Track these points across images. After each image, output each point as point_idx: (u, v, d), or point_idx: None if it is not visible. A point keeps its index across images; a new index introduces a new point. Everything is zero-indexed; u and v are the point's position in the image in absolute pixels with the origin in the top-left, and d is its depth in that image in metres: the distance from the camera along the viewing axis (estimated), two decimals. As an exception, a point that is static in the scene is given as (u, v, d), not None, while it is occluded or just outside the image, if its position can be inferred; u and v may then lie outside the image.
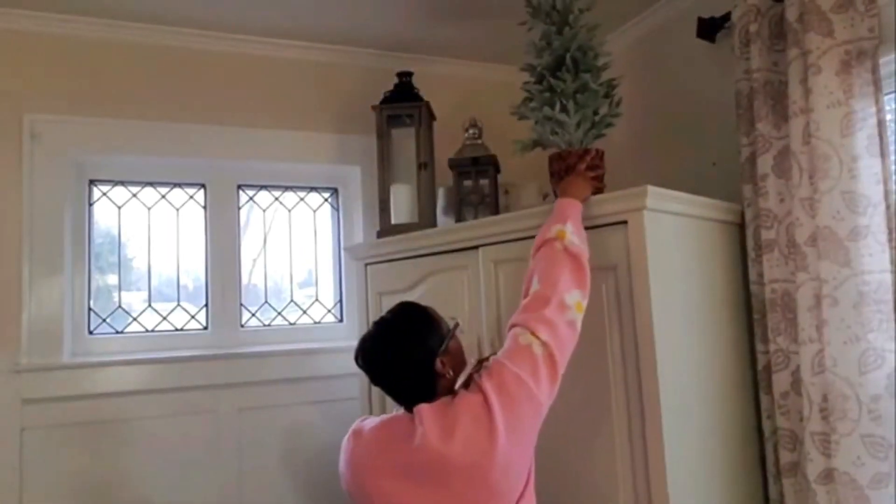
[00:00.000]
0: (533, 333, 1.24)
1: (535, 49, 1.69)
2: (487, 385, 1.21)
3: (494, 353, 1.31)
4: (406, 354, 1.28)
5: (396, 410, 1.34)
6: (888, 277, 1.42)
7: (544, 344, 1.23)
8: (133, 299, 2.35)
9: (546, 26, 1.68)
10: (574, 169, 1.57)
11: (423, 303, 1.44)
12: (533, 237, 1.44)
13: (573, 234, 1.34)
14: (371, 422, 1.36)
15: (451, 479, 1.18)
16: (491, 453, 1.16)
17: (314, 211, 2.61)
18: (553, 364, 1.23)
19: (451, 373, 1.30)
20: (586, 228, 1.47)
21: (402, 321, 1.35)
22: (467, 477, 1.17)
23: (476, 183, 2.00)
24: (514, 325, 1.30)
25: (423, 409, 1.24)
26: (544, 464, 1.55)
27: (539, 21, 1.70)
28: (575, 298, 1.29)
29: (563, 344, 1.26)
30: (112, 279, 2.33)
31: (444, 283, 1.82)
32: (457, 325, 1.38)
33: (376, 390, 2.01)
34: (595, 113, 1.64)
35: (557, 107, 1.61)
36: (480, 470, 1.17)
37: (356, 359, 1.35)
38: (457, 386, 1.30)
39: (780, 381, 1.57)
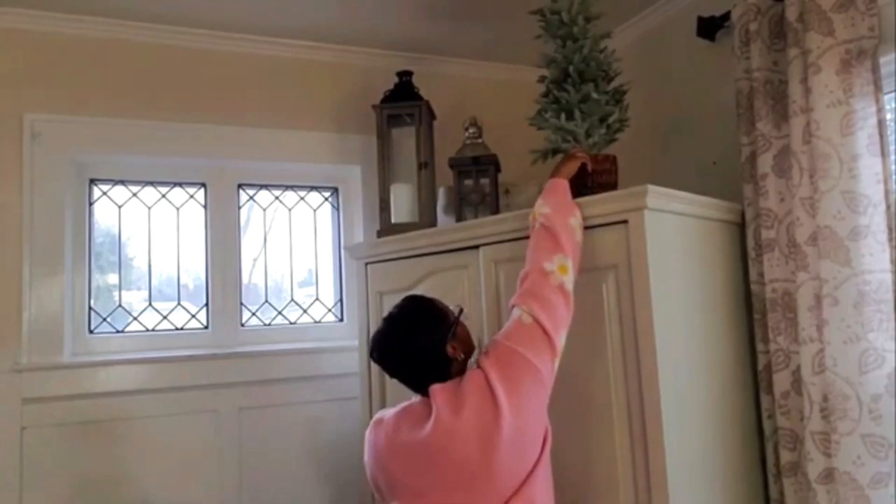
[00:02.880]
0: (521, 307, 1.33)
1: (544, 62, 1.73)
2: (486, 362, 1.29)
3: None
4: (418, 345, 1.34)
5: (414, 398, 1.38)
6: (888, 277, 1.42)
7: (531, 313, 1.30)
8: (133, 298, 2.35)
9: (557, 40, 1.70)
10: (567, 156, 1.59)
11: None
12: (533, 237, 1.47)
13: (542, 207, 1.42)
14: (390, 410, 1.40)
15: (465, 454, 1.22)
16: (497, 425, 1.21)
17: (314, 210, 2.61)
18: (544, 330, 1.29)
19: (462, 356, 1.37)
20: (586, 228, 1.47)
21: (409, 314, 1.39)
22: (478, 451, 1.21)
23: (476, 182, 2.00)
24: (512, 305, 1.37)
25: (436, 389, 1.30)
26: (544, 463, 1.55)
27: (551, 35, 1.72)
28: (556, 263, 1.35)
29: (552, 308, 1.31)
30: (112, 278, 2.33)
31: (445, 283, 1.82)
32: (461, 310, 1.43)
33: (377, 389, 2.03)
34: (603, 120, 1.66)
35: (564, 117, 1.65)
36: (490, 443, 1.21)
37: (371, 354, 1.40)
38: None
39: (781, 380, 1.57)
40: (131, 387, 2.14)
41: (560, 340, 1.32)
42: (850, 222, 1.43)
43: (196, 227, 2.41)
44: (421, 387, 1.33)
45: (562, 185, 1.48)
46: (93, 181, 2.30)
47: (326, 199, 2.62)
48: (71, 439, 2.07)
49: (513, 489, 1.23)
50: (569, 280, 1.34)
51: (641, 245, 1.38)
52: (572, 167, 1.54)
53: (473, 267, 1.75)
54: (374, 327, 1.47)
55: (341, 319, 2.57)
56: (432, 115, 2.26)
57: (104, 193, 2.32)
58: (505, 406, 1.22)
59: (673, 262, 1.47)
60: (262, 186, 2.52)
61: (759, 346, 1.66)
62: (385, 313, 1.44)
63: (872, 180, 1.43)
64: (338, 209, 2.62)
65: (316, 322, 2.55)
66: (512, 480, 1.24)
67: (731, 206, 1.69)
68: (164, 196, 2.39)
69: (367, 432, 1.42)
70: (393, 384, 1.51)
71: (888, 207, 1.43)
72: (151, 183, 2.37)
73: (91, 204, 2.29)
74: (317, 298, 2.58)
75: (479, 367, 1.30)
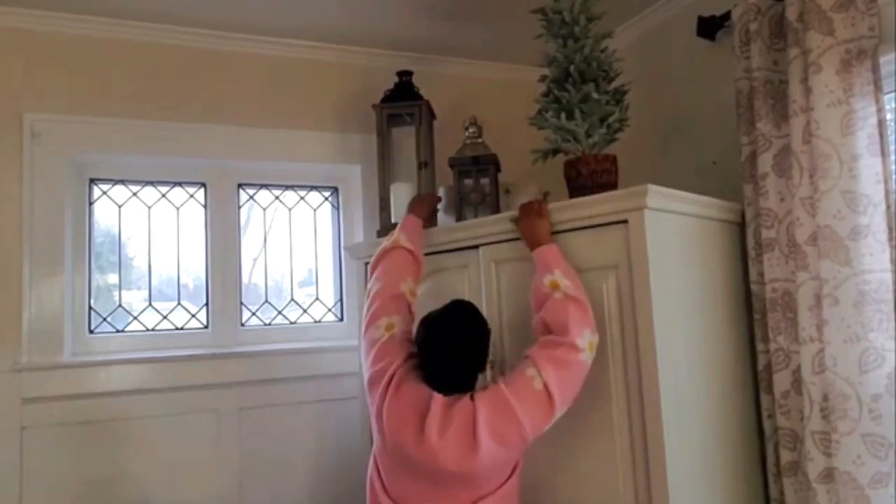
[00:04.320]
0: (539, 369, 1.33)
1: (545, 61, 1.73)
2: (479, 401, 1.33)
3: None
4: (478, 343, 1.42)
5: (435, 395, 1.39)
6: (888, 277, 1.42)
7: (545, 382, 1.32)
8: (133, 298, 2.35)
9: (558, 39, 1.70)
10: (527, 212, 1.56)
11: (425, 302, 1.56)
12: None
13: (564, 279, 1.42)
14: (413, 378, 1.41)
15: (442, 468, 1.31)
16: (471, 459, 1.29)
17: (314, 210, 2.61)
18: (550, 400, 1.32)
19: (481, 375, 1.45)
20: (586, 228, 1.48)
21: (477, 313, 1.46)
22: (450, 472, 1.31)
23: (476, 182, 2.00)
24: (527, 356, 1.39)
25: (437, 400, 1.34)
26: (545, 462, 1.55)
27: (552, 34, 1.72)
28: (586, 339, 1.37)
29: (569, 385, 1.35)
30: (112, 278, 2.33)
31: (445, 283, 1.82)
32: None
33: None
34: (603, 120, 1.66)
35: (564, 117, 1.66)
36: (461, 469, 1.30)
37: (429, 326, 1.41)
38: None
39: (781, 380, 1.58)
40: (131, 387, 2.14)
41: (561, 412, 1.35)
42: (850, 222, 1.43)
43: (196, 226, 2.41)
44: (447, 381, 1.37)
45: (557, 251, 1.48)
46: (93, 181, 2.30)
47: (326, 198, 2.62)
48: (71, 439, 2.07)
49: (480, 495, 1.35)
50: (592, 357, 1.38)
51: (641, 245, 1.38)
52: (547, 227, 1.52)
53: (473, 267, 1.75)
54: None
55: (341, 319, 2.57)
56: (432, 115, 2.26)
57: (104, 193, 2.32)
58: (483, 446, 1.28)
59: (673, 261, 1.47)
60: (262, 186, 2.52)
61: (760, 346, 1.66)
62: None
63: (872, 180, 1.44)
64: (338, 209, 2.62)
65: (316, 322, 2.55)
66: (482, 489, 1.36)
67: (732, 206, 1.69)
68: (164, 196, 2.39)
69: (395, 375, 1.41)
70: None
71: (888, 207, 1.43)
72: (151, 183, 2.37)
73: (91, 204, 2.29)
74: (317, 298, 2.58)
75: (472, 400, 1.33)
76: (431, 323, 1.42)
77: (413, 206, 1.84)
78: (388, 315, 1.53)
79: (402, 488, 1.41)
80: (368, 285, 1.65)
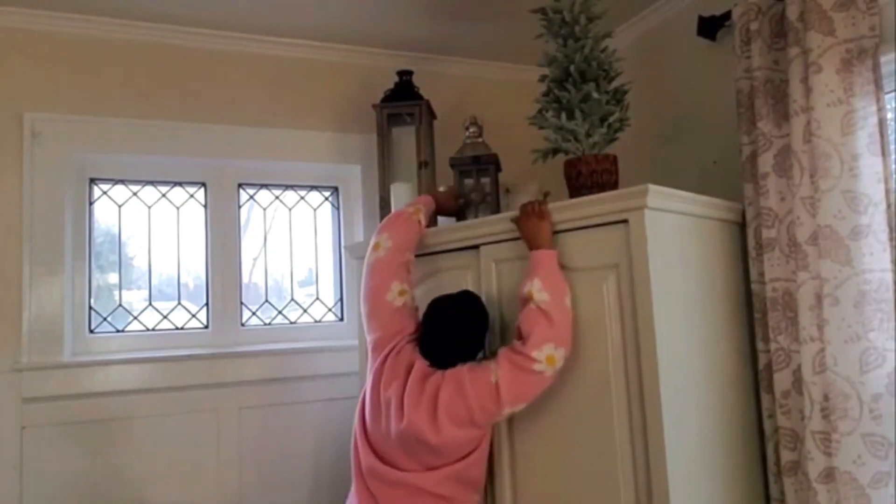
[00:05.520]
0: (497, 366, 1.45)
1: (546, 61, 1.73)
2: (446, 378, 1.48)
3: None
4: (476, 331, 1.56)
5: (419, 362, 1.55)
6: (889, 276, 1.42)
7: (498, 378, 1.44)
8: (133, 298, 2.35)
9: (558, 39, 1.70)
10: (529, 213, 1.55)
11: (425, 302, 1.62)
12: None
13: (541, 292, 1.45)
14: (412, 346, 1.59)
15: (412, 437, 1.47)
16: (432, 427, 1.45)
17: (315, 209, 2.61)
18: (498, 395, 1.43)
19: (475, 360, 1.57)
20: (586, 228, 1.48)
21: (479, 306, 1.59)
22: (421, 441, 1.46)
23: (477, 182, 2.00)
24: (497, 352, 1.50)
25: (418, 366, 1.52)
26: (544, 461, 1.55)
27: (552, 34, 1.72)
28: (545, 352, 1.43)
29: (519, 387, 1.44)
30: (112, 278, 2.33)
31: (446, 283, 1.82)
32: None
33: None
34: (604, 119, 1.66)
35: (564, 116, 1.66)
36: (428, 440, 1.45)
37: (434, 306, 1.57)
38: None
39: (781, 379, 1.57)
40: (131, 386, 2.14)
41: (511, 409, 1.46)
42: (850, 221, 1.43)
43: (196, 226, 2.41)
44: (434, 358, 1.53)
45: (551, 258, 1.49)
46: (93, 180, 2.30)
47: (326, 198, 2.62)
48: (71, 438, 2.07)
49: (449, 460, 1.51)
50: (551, 368, 1.43)
51: (642, 244, 1.38)
52: (548, 229, 1.51)
53: (474, 267, 1.75)
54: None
55: (341, 319, 2.57)
56: (432, 115, 2.26)
57: (104, 193, 2.32)
58: (441, 422, 1.44)
59: (673, 261, 1.47)
60: (262, 186, 2.52)
61: (760, 346, 1.66)
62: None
63: (873, 179, 1.43)
64: (338, 208, 2.62)
65: (316, 322, 2.55)
66: (444, 459, 1.50)
67: (732, 206, 1.69)
68: (164, 195, 2.39)
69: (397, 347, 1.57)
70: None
71: (888, 207, 1.43)
72: (151, 182, 2.37)
73: (91, 203, 2.29)
74: (317, 298, 2.58)
75: (442, 376, 1.48)
76: (437, 304, 1.58)
77: (436, 192, 1.93)
78: (399, 281, 1.64)
79: (382, 444, 1.55)
80: (379, 237, 1.72)
